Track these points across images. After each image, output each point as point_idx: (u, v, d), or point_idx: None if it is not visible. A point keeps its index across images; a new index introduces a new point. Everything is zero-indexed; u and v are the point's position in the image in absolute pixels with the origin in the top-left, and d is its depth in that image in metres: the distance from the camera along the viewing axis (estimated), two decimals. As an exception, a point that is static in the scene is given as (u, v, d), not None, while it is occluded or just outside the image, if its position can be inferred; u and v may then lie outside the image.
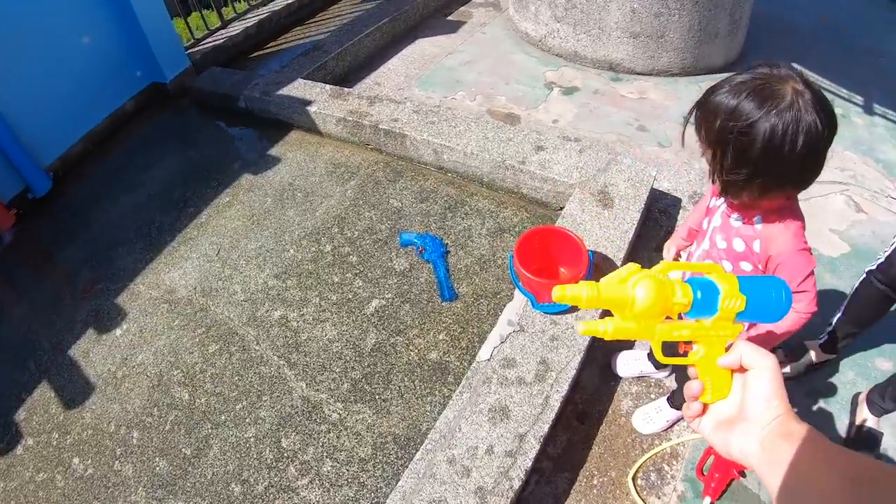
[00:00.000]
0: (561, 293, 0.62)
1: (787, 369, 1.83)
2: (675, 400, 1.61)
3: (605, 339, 0.64)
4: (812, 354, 1.85)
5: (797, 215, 1.09)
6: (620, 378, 1.80)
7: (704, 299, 0.62)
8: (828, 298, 1.97)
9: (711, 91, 1.02)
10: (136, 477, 1.73)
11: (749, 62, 3.47)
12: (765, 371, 0.58)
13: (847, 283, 2.11)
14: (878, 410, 1.66)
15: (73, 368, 2.05)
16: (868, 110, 3.16)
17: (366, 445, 1.64)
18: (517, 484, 1.39)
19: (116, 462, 1.77)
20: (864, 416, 1.67)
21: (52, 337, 2.14)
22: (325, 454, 1.64)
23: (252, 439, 1.72)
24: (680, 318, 0.64)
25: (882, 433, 1.66)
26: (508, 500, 1.36)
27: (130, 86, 3.14)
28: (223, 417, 1.79)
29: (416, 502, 1.37)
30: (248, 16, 3.81)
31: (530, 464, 1.43)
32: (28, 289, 2.33)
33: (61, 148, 2.82)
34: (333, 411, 1.72)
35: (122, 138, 2.99)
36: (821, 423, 1.72)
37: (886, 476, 0.46)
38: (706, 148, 1.05)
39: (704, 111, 1.02)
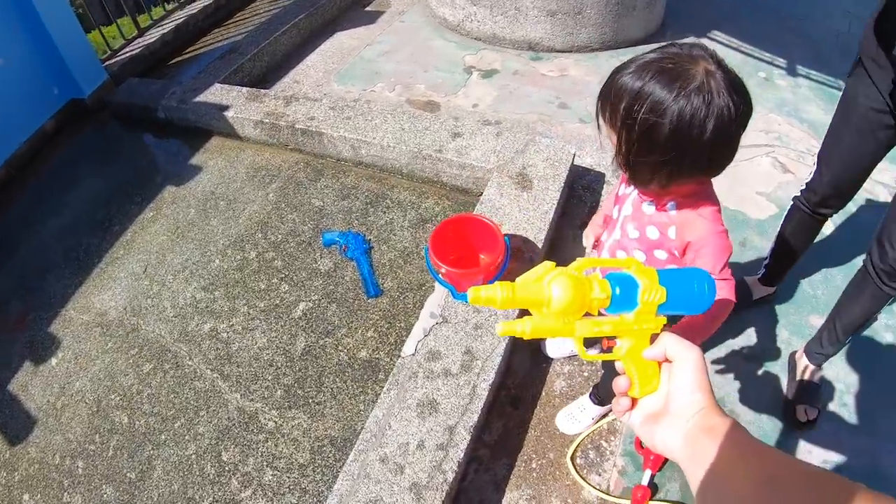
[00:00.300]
0: (475, 295, 0.57)
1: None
2: (600, 395, 1.52)
3: (525, 338, 0.59)
4: (753, 289, 1.86)
5: (712, 199, 0.99)
6: (552, 360, 1.73)
7: (623, 294, 0.59)
8: (760, 260, 1.94)
9: (617, 72, 0.89)
10: None
11: (670, 32, 3.39)
12: (688, 363, 0.54)
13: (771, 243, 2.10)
14: (818, 358, 1.64)
15: (14, 404, 1.89)
16: (791, 72, 3.09)
17: (304, 451, 1.56)
18: (451, 476, 1.33)
19: (65, 494, 1.64)
20: (804, 368, 1.64)
21: None
22: (265, 463, 1.56)
23: (193, 456, 1.62)
24: (601, 314, 0.60)
25: (820, 385, 1.64)
26: (444, 494, 1.31)
27: (48, 105, 2.85)
28: (163, 437, 1.68)
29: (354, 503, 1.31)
30: (165, 22, 3.52)
31: (462, 455, 1.37)
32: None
33: (-20, 178, 2.56)
34: (269, 419, 1.63)
35: (44, 160, 2.73)
36: (762, 385, 1.69)
37: (795, 475, 0.44)
38: (611, 132, 0.92)
39: (609, 93, 0.89)
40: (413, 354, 1.54)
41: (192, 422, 1.68)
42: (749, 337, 1.82)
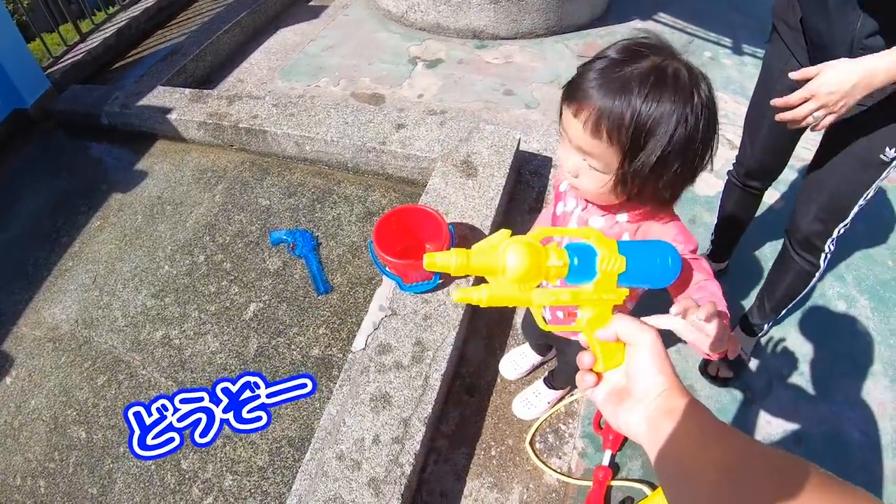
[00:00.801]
0: (430, 261, 0.53)
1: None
2: (554, 380, 1.40)
3: (482, 306, 0.54)
4: None
5: (672, 214, 0.83)
6: (506, 346, 1.58)
7: (582, 263, 0.53)
8: (709, 235, 1.81)
9: (602, 86, 0.68)
10: None
11: (615, 16, 3.16)
12: (644, 346, 0.48)
13: (713, 218, 1.95)
14: (748, 327, 1.52)
15: None
16: (737, 51, 2.92)
17: (262, 453, 1.39)
18: (409, 469, 1.19)
19: None
20: (734, 333, 1.54)
21: None
22: (224, 469, 1.39)
23: (153, 467, 1.43)
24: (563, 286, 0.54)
25: (748, 359, 1.54)
26: (402, 486, 1.17)
27: None
28: (122, 449, 1.47)
29: (313, 503, 1.17)
30: (107, 26, 3.12)
31: (419, 447, 1.23)
32: None
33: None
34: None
35: None
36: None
37: (757, 459, 0.39)
38: (608, 150, 0.70)
39: (607, 115, 0.68)
40: (364, 349, 1.37)
41: (149, 433, 1.49)
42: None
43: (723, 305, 0.68)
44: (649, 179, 0.71)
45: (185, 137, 2.27)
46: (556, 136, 2.27)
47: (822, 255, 1.27)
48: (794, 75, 0.99)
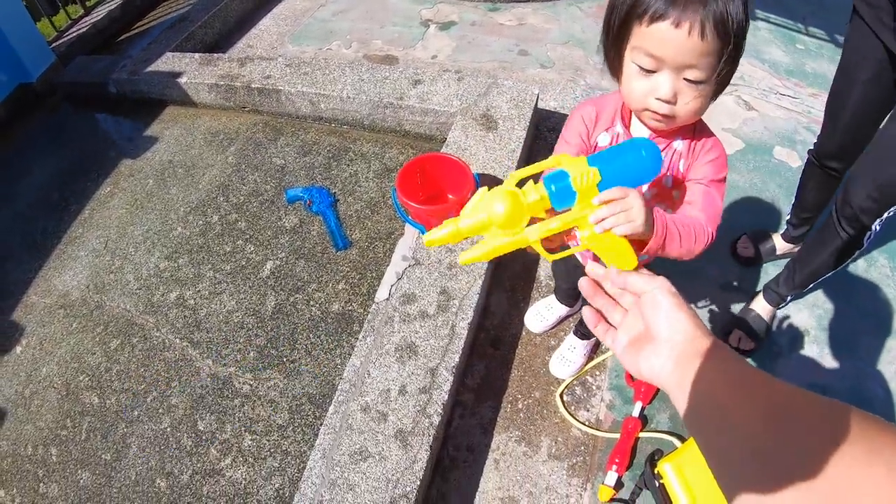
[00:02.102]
0: (429, 239, 0.61)
1: (751, 253, 1.70)
2: (583, 329, 1.40)
3: (486, 260, 0.62)
4: (776, 242, 1.71)
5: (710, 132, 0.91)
6: (530, 298, 1.59)
7: (560, 189, 0.57)
8: (729, 193, 1.84)
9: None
10: (63, 495, 1.44)
11: None
12: (658, 290, 0.51)
13: (745, 177, 1.96)
14: (773, 296, 1.52)
15: None
16: (751, 16, 2.87)
17: (282, 411, 1.41)
18: (437, 420, 1.19)
19: (41, 485, 1.47)
20: (757, 302, 1.54)
21: None
22: (242, 429, 1.40)
23: (168, 429, 1.46)
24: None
25: (767, 322, 1.52)
26: (431, 437, 1.17)
27: None
28: (136, 413, 1.51)
29: (337, 457, 1.17)
30: (110, -1, 3.22)
31: (447, 397, 1.23)
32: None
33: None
34: (244, 383, 1.47)
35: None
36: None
37: (806, 406, 0.38)
38: (720, 49, 0.73)
39: (709, 14, 0.70)
40: (387, 299, 1.38)
41: (164, 394, 1.51)
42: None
43: (676, 225, 0.74)
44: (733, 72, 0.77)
45: (196, 101, 2.31)
46: (572, 94, 2.26)
47: (868, 234, 1.26)
48: None
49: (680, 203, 0.89)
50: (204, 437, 1.42)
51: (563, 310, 1.49)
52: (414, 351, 1.29)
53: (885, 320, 1.57)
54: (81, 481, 1.45)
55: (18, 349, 1.77)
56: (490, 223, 0.57)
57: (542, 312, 1.50)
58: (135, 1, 3.21)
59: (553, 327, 1.51)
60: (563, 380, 1.41)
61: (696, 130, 0.90)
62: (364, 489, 1.10)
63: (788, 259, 1.51)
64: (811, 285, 1.46)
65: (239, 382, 1.47)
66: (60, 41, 2.91)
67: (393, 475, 1.11)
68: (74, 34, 2.94)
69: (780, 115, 2.25)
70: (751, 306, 1.55)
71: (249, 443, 1.38)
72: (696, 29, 0.70)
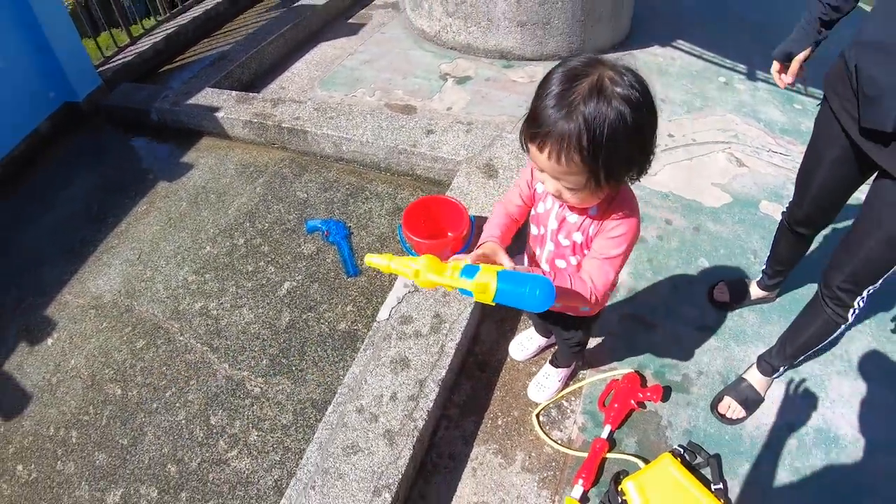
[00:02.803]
0: (368, 261, 1.00)
1: (727, 298, 1.90)
2: (559, 361, 1.65)
3: (383, 271, 1.07)
4: (751, 290, 1.91)
5: (632, 202, 1.05)
6: (517, 329, 1.85)
7: (465, 273, 0.92)
8: (712, 243, 2.15)
9: (555, 120, 0.86)
10: (79, 473, 1.67)
11: (636, 42, 3.57)
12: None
13: (730, 229, 2.23)
14: (765, 367, 1.65)
15: (9, 382, 1.94)
16: (751, 77, 3.24)
17: (287, 413, 1.66)
18: (421, 424, 1.45)
19: (58, 462, 1.70)
20: (751, 373, 1.68)
21: None
22: (250, 425, 1.66)
23: (183, 421, 1.71)
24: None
25: (759, 395, 1.65)
26: (415, 439, 1.42)
27: (44, 107, 2.92)
28: (155, 405, 1.76)
29: (332, 450, 1.41)
30: (156, 31, 3.63)
31: (431, 405, 1.48)
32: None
33: (-24, 176, 2.60)
34: (255, 386, 1.73)
35: (39, 160, 2.80)
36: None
37: None
38: (579, 168, 0.88)
39: (562, 144, 0.86)
40: (387, 319, 1.66)
41: (182, 390, 1.77)
42: (742, 332, 1.88)
43: (557, 280, 1.01)
44: (618, 174, 0.92)
45: (230, 135, 2.67)
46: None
47: (851, 311, 1.40)
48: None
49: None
50: (214, 431, 1.67)
51: (542, 340, 1.75)
52: (406, 364, 1.56)
53: (856, 364, 1.77)
54: (97, 462, 1.67)
55: (49, 341, 2.03)
56: (407, 275, 0.95)
57: (524, 342, 1.77)
58: (178, 36, 3.64)
59: (534, 356, 1.77)
60: (539, 403, 1.66)
61: (614, 203, 1.03)
62: (352, 478, 1.35)
63: (764, 304, 1.72)
64: (802, 357, 1.59)
65: (251, 385, 1.73)
66: (106, 66, 3.31)
67: (379, 468, 1.36)
68: (120, 61, 3.34)
69: (770, 171, 2.52)
70: (744, 376, 1.68)
71: (255, 438, 1.63)
72: (553, 155, 0.87)
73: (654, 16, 3.88)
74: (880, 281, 1.34)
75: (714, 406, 1.66)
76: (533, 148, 0.92)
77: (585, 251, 1.10)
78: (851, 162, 1.34)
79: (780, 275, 1.85)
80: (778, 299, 1.96)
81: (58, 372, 1.94)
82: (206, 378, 1.78)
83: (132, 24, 3.69)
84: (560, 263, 1.19)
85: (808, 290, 2.03)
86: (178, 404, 1.74)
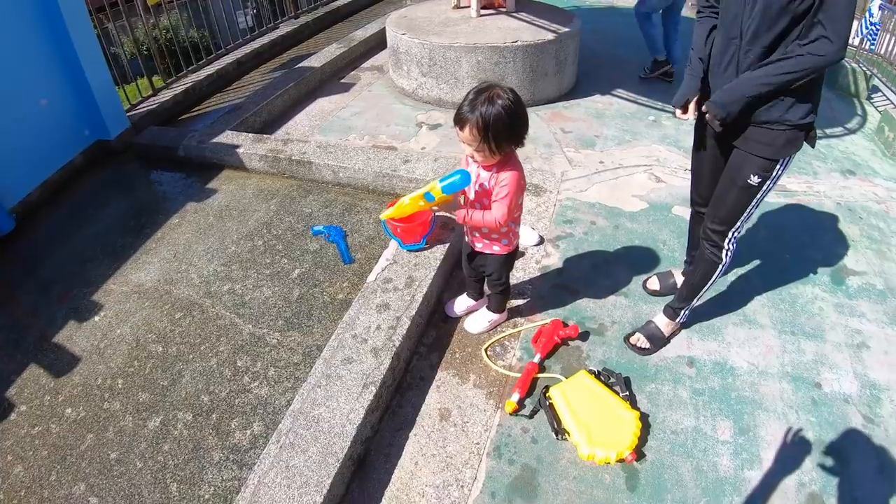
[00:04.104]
0: (386, 216, 2.20)
1: (658, 287, 2.61)
2: (490, 305, 2.40)
3: (396, 216, 2.17)
4: (677, 278, 2.61)
5: (515, 161, 1.94)
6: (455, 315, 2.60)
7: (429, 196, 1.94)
8: (628, 236, 2.99)
9: (470, 111, 1.76)
10: (123, 409, 2.19)
11: (579, 92, 4.73)
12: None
13: (644, 226, 3.08)
14: (669, 311, 2.36)
15: (59, 350, 2.48)
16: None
17: (298, 354, 2.37)
18: (398, 343, 2.16)
19: (105, 403, 2.22)
20: (658, 316, 2.40)
21: (35, 333, 2.57)
22: (269, 364, 2.34)
23: (214, 365, 2.37)
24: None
25: (662, 335, 2.37)
26: (392, 353, 2.11)
27: (79, 142, 3.71)
28: (191, 356, 2.42)
29: (334, 362, 2.10)
30: (175, 85, 4.57)
31: (405, 331, 2.20)
32: (2, 306, 2.76)
33: (21, 194, 3.28)
34: (273, 338, 2.44)
35: (75, 187, 3.55)
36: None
37: None
38: (479, 137, 1.76)
39: (470, 127, 1.76)
40: (374, 280, 2.44)
41: (214, 345, 2.45)
42: (648, 295, 2.66)
43: (465, 216, 1.98)
44: (500, 145, 1.79)
45: (248, 167, 3.51)
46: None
47: (724, 251, 2.11)
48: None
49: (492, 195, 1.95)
50: (240, 370, 2.34)
51: (471, 302, 2.51)
52: (387, 307, 2.30)
53: (752, 318, 2.52)
54: (140, 399, 2.26)
55: (96, 318, 2.68)
56: (404, 205, 2.02)
57: (459, 302, 2.54)
58: (195, 90, 4.58)
59: (465, 313, 2.53)
60: (472, 333, 2.40)
61: (500, 166, 1.89)
62: (348, 379, 2.04)
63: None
64: (695, 299, 2.28)
65: (270, 338, 2.44)
66: (132, 112, 4.18)
67: (367, 371, 2.06)
68: (145, 109, 4.22)
69: (684, 185, 3.31)
70: (653, 319, 2.41)
71: (273, 373, 2.31)
72: (466, 131, 1.77)
73: (597, 70, 5.10)
74: (738, 223, 2.04)
75: (627, 338, 2.40)
76: (458, 129, 1.83)
77: (489, 196, 1.97)
78: (721, 151, 2.08)
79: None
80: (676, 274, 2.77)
81: (104, 339, 2.56)
82: (233, 335, 2.48)
83: (155, 75, 4.62)
84: (477, 205, 2.05)
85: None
86: (210, 354, 2.42)
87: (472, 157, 1.90)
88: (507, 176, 1.90)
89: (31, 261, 3.03)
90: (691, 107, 2.05)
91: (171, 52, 4.86)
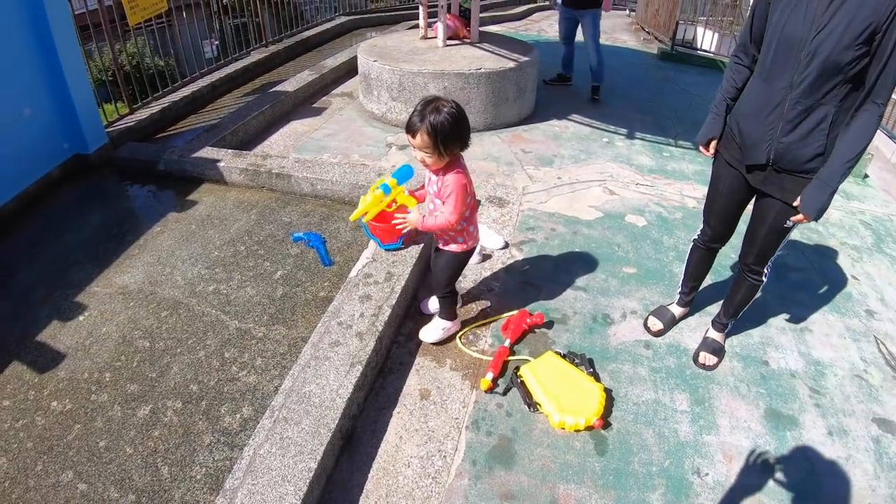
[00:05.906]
0: (356, 216, 2.41)
1: (661, 326, 2.72)
2: (441, 314, 2.61)
3: (362, 214, 2.48)
4: (675, 312, 2.78)
5: (460, 164, 2.22)
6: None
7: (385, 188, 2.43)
8: (585, 241, 3.32)
9: (420, 120, 2.05)
10: (111, 400, 2.27)
11: (538, 117, 5.21)
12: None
13: (599, 232, 3.45)
14: (718, 325, 2.60)
15: (43, 348, 2.52)
16: (630, 136, 4.82)
17: (284, 346, 2.56)
18: (381, 328, 2.39)
19: (92, 395, 2.28)
20: (710, 332, 2.65)
21: (16, 333, 2.61)
22: (256, 355, 2.52)
23: (203, 357, 2.51)
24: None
25: (721, 346, 2.62)
26: (375, 337, 2.34)
27: (58, 155, 3.79)
28: (179, 350, 2.56)
29: (321, 346, 2.31)
30: (152, 105, 4.74)
31: (387, 318, 2.43)
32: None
33: (-2, 203, 3.31)
34: (259, 332, 2.62)
35: (52, 199, 3.62)
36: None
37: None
38: (430, 143, 2.05)
39: (421, 133, 2.04)
40: (356, 275, 2.68)
41: (201, 339, 2.61)
42: (607, 290, 3.01)
43: (421, 222, 2.33)
44: (447, 147, 2.08)
45: (228, 181, 3.71)
46: (483, 189, 3.86)
47: (763, 275, 2.36)
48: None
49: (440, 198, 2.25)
50: (228, 361, 2.51)
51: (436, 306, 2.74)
52: (369, 298, 2.54)
53: (698, 304, 2.90)
54: (129, 391, 2.36)
55: (81, 318, 2.76)
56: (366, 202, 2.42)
57: (430, 303, 2.78)
58: (170, 110, 4.77)
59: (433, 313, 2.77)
60: (428, 342, 2.60)
61: (446, 169, 2.18)
62: (335, 360, 2.26)
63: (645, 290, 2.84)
64: (741, 313, 2.53)
65: (256, 332, 2.63)
66: (111, 129, 4.32)
67: (353, 353, 2.28)
68: (123, 126, 4.38)
69: (636, 197, 3.83)
70: (707, 335, 2.62)
71: (260, 362, 2.49)
72: (418, 138, 2.05)
73: (554, 96, 5.65)
74: (777, 251, 2.27)
75: (695, 359, 2.59)
76: (409, 137, 2.10)
77: (439, 197, 2.29)
78: (740, 191, 2.27)
79: (695, 290, 2.75)
80: (631, 271, 3.14)
81: (90, 337, 2.64)
82: (220, 330, 2.65)
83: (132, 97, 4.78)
84: (431, 206, 2.36)
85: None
86: (198, 347, 2.57)
87: (424, 162, 2.16)
88: (451, 177, 2.19)
89: (9, 267, 3.06)
90: (713, 144, 2.31)
91: (136, 80, 5.00)
